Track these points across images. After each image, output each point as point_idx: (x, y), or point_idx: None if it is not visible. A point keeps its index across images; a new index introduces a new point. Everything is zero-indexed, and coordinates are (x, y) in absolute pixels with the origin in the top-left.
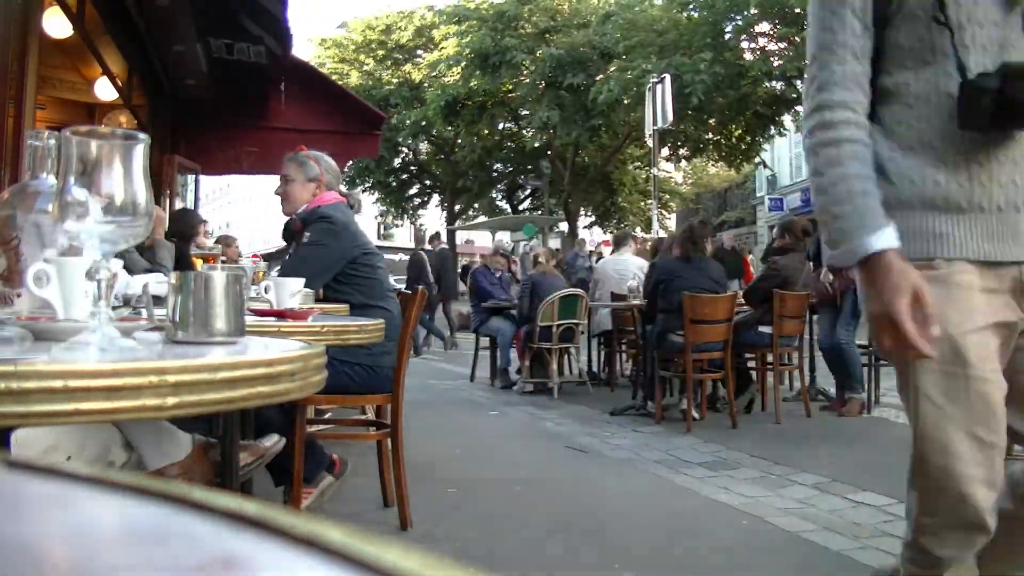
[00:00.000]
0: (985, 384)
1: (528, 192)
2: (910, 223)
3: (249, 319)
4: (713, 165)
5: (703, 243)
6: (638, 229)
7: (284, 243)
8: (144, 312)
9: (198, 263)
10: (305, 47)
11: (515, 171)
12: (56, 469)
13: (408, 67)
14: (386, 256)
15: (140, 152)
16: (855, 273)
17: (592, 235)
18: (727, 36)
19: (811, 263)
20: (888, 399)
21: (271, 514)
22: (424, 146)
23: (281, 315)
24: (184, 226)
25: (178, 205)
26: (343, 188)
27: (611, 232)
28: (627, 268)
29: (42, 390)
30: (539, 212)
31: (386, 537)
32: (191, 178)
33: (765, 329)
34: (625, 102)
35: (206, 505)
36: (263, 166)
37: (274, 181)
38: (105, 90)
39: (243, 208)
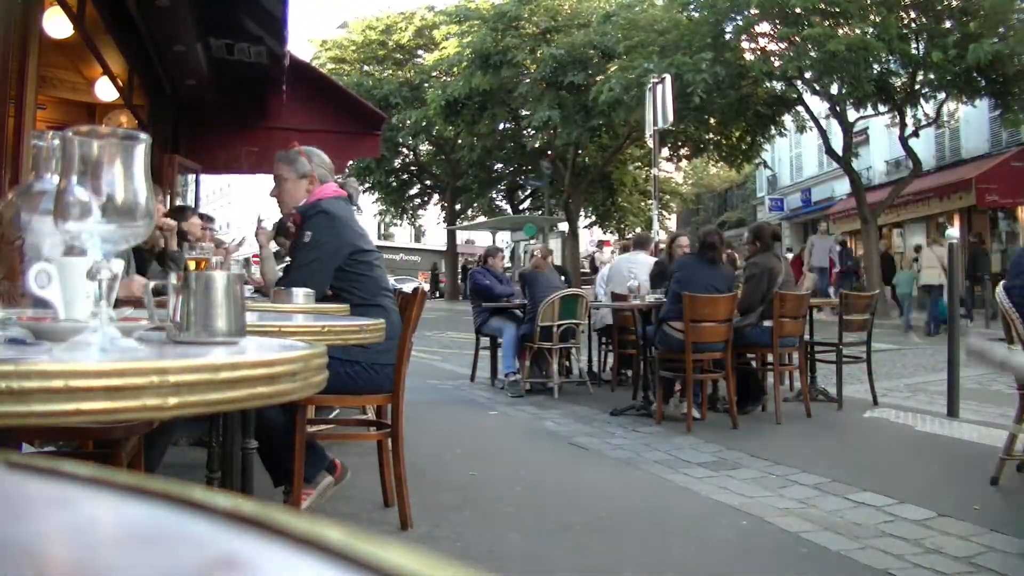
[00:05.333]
0: None
1: (528, 192)
2: None
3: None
4: (714, 165)
5: (722, 252)
6: (638, 229)
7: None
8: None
9: (191, 265)
10: (305, 47)
11: (515, 171)
12: (56, 469)
13: (409, 66)
14: (386, 256)
15: (141, 152)
16: None
17: (592, 235)
18: (727, 36)
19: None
20: (888, 399)
21: (271, 514)
22: (424, 146)
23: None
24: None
25: (160, 199)
26: (339, 179)
27: (611, 232)
28: (638, 267)
29: (43, 390)
30: (539, 212)
31: (386, 537)
32: (191, 178)
33: (769, 323)
34: (626, 100)
35: (206, 505)
36: (264, 166)
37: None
38: (106, 90)
39: (243, 208)
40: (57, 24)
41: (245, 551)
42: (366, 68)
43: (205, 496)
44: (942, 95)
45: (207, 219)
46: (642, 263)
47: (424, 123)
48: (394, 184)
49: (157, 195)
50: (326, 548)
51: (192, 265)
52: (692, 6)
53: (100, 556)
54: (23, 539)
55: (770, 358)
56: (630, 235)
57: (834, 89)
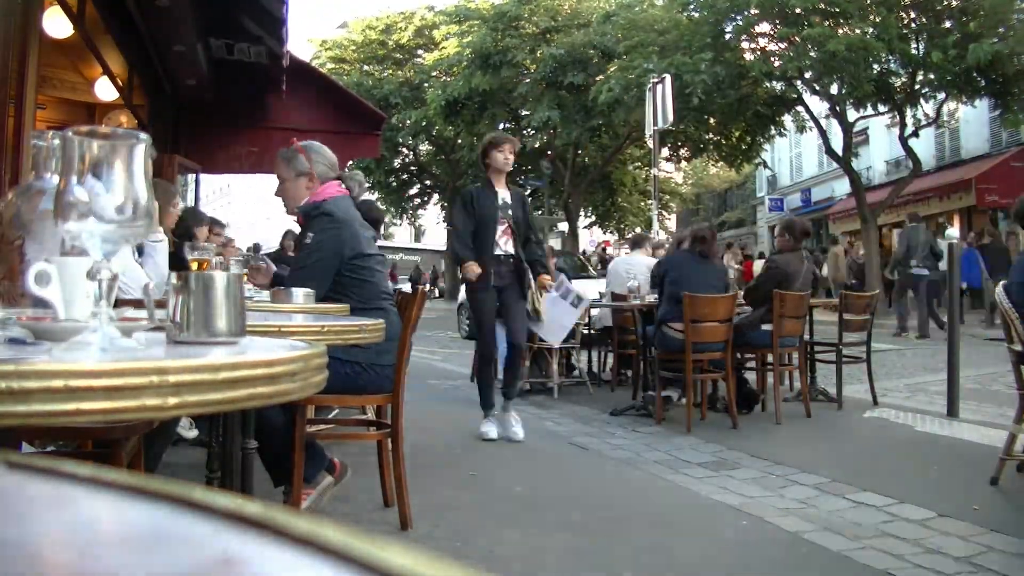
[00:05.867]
0: None
1: (528, 192)
2: None
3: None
4: (713, 165)
5: (715, 247)
6: (638, 229)
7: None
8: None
9: (193, 267)
10: (305, 47)
11: (515, 171)
12: (56, 469)
13: (409, 66)
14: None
15: (141, 152)
16: None
17: (592, 235)
18: (727, 36)
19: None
20: (888, 399)
21: (270, 514)
22: (424, 146)
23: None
24: (184, 227)
25: (179, 205)
26: (345, 172)
27: (611, 232)
28: (635, 268)
29: (43, 390)
30: (539, 212)
31: (386, 537)
32: (191, 178)
33: (768, 327)
34: (626, 100)
35: (205, 505)
36: (263, 166)
37: (274, 181)
38: (105, 90)
39: (243, 208)
40: (57, 24)
41: (244, 551)
42: (366, 68)
43: (204, 496)
44: (942, 95)
45: (218, 224)
46: (639, 263)
47: (424, 123)
48: (394, 184)
49: (172, 196)
50: (325, 548)
51: (195, 266)
52: (692, 6)
53: (99, 556)
54: (23, 539)
55: (770, 358)
56: (629, 235)
57: (834, 89)
